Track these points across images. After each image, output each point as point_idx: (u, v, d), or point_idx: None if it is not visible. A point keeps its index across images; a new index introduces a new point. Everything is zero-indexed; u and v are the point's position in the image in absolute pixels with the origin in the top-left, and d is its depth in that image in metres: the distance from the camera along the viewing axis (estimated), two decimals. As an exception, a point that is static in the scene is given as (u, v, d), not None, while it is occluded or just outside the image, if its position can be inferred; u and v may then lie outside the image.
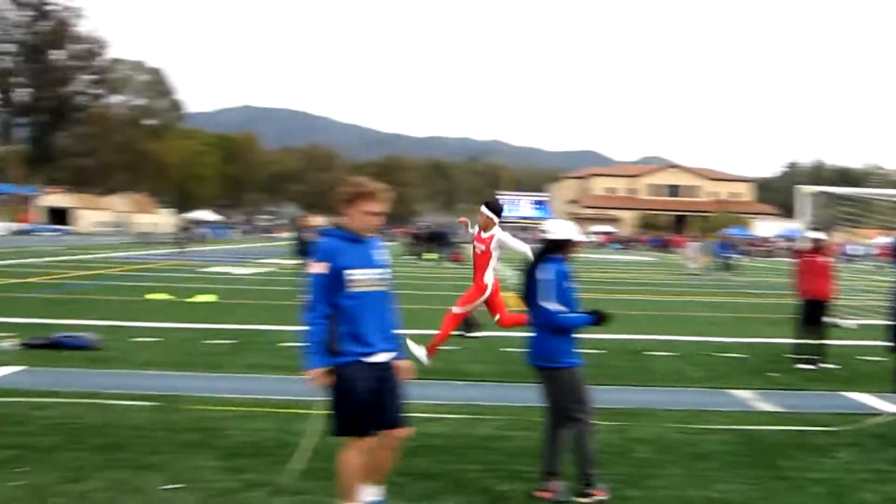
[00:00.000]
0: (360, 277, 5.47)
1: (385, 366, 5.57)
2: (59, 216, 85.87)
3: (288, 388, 10.13)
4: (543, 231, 6.81)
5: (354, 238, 5.55)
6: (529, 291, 6.62)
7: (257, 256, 48.69)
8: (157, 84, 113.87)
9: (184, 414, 8.65)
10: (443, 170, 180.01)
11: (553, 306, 6.39)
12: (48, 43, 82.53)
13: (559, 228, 6.73)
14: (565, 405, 6.48)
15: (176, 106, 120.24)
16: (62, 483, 6.31)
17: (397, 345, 5.67)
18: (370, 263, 5.53)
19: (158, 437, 7.69)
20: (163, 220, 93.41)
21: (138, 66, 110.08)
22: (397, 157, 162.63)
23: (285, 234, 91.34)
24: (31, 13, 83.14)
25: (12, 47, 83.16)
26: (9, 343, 12.51)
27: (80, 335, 12.65)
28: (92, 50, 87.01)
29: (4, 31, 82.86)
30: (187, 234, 50.53)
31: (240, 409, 8.97)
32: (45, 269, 31.68)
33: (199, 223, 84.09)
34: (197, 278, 28.67)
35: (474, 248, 11.69)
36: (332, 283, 5.44)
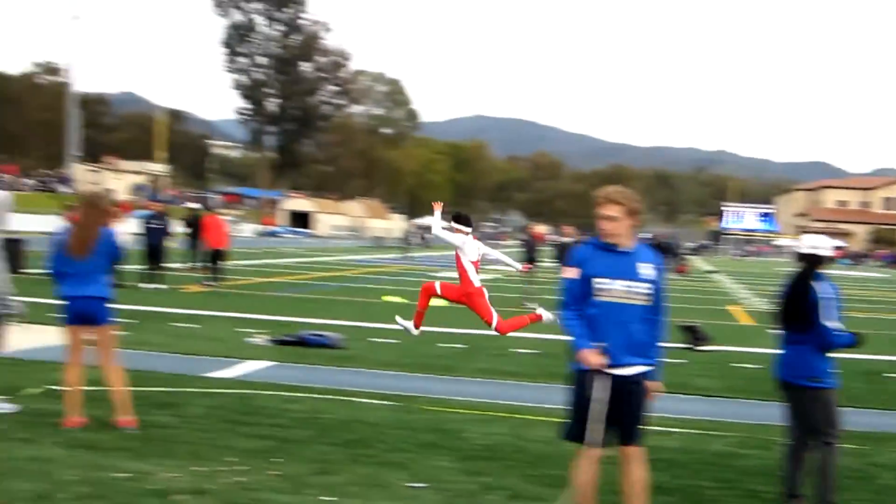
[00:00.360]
0: (608, 287, 5.34)
1: (627, 379, 5.40)
2: (300, 219, 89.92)
3: (521, 394, 10.21)
4: (805, 246, 6.47)
5: (609, 247, 5.42)
6: (795, 308, 6.31)
7: (486, 262, 49.30)
8: (395, 94, 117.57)
9: (421, 415, 8.86)
10: (667, 180, 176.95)
11: (834, 325, 6.11)
12: (298, 55, 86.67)
13: (823, 243, 6.42)
14: (817, 426, 6.21)
15: (412, 116, 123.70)
16: (314, 475, 6.58)
17: (649, 361, 5.45)
18: (624, 275, 5.34)
19: (399, 436, 7.89)
20: (395, 225, 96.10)
21: (378, 78, 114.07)
22: (622, 166, 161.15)
23: (510, 242, 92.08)
24: (284, 28, 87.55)
25: (265, 60, 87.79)
26: (260, 339, 13.21)
27: (325, 334, 13.18)
28: (337, 62, 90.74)
29: (259, 44, 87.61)
30: (410, 239, 51.74)
31: (475, 412, 9.09)
32: (289, 269, 33.26)
33: (426, 229, 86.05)
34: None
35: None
36: (582, 290, 5.39)
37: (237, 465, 6.68)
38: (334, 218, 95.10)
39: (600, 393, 5.32)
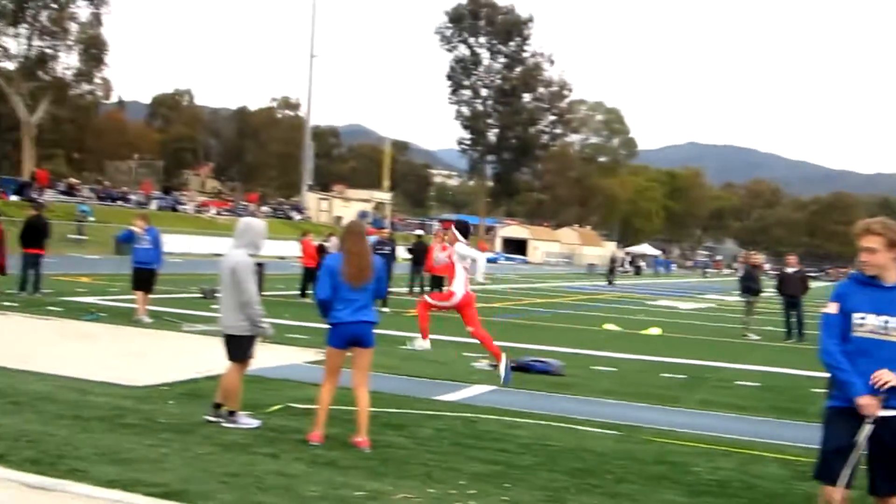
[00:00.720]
0: (864, 323, 5.06)
1: (888, 422, 5.03)
2: (515, 246, 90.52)
3: (746, 428, 9.81)
4: None
5: (870, 281, 5.14)
6: None
7: (699, 291, 48.06)
8: (613, 123, 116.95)
9: (646, 445, 8.65)
10: (892, 207, 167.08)
11: None
12: (519, 87, 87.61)
13: None
14: None
15: (629, 144, 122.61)
16: (544, 502, 6.52)
17: None
18: (885, 310, 5.04)
19: (626, 466, 7.73)
20: (607, 252, 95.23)
21: (597, 107, 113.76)
22: (844, 193, 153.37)
23: (725, 270, 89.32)
24: (506, 60, 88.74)
25: (487, 92, 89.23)
26: (484, 363, 13.30)
27: (547, 361, 13.15)
28: (557, 93, 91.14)
29: (482, 77, 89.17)
30: (615, 267, 51.03)
31: (700, 445, 8.80)
32: (506, 295, 33.48)
33: (636, 257, 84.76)
34: (643, 310, 28.83)
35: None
36: (841, 325, 5.14)
37: (468, 488, 6.70)
38: (548, 245, 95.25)
39: (863, 438, 5.02)
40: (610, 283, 48.60)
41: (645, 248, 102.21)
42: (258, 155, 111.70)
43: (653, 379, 13.23)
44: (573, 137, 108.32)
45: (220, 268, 8.53)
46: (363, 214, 75.88)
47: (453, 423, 9.10)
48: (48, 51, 60.25)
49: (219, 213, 63.92)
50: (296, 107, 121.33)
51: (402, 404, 9.83)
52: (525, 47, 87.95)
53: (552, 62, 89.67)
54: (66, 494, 6.01)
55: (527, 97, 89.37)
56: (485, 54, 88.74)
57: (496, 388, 11.47)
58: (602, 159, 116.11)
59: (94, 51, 62.98)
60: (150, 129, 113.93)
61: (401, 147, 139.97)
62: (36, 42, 58.88)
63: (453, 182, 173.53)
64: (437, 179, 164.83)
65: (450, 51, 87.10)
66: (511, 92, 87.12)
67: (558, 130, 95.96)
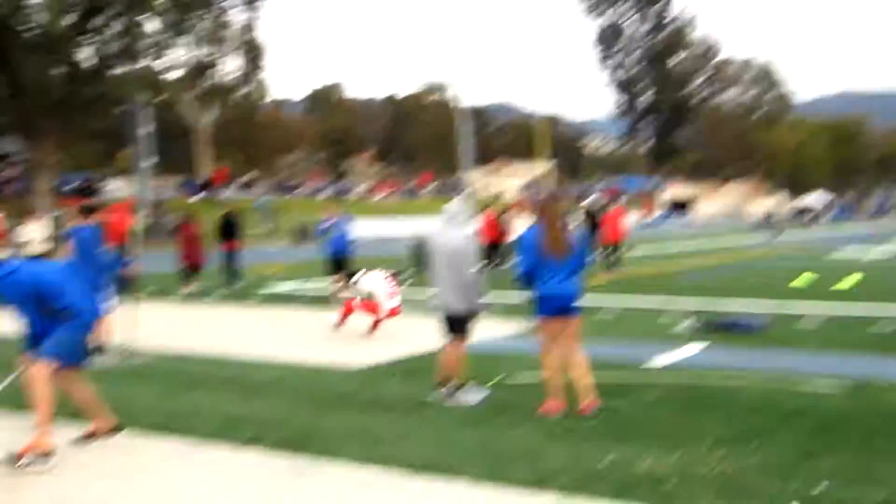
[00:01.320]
0: None
1: None
2: (679, 206, 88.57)
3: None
4: None
5: None
6: None
7: (883, 238, 45.85)
8: (765, 78, 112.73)
9: (883, 399, 8.25)
10: None
11: None
12: (667, 50, 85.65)
13: None
14: None
15: (783, 97, 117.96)
16: (795, 463, 6.25)
17: None
18: None
19: (867, 422, 7.36)
20: (775, 206, 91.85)
21: (747, 64, 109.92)
22: None
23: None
24: (651, 25, 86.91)
25: (635, 57, 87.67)
26: (686, 324, 13.00)
27: (751, 319, 12.73)
28: (706, 53, 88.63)
29: (629, 44, 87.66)
30: (775, 219, 48.93)
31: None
32: (684, 255, 32.73)
33: (806, 208, 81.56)
34: (829, 261, 27.61)
35: None
36: None
37: (714, 452, 6.52)
38: (712, 203, 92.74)
39: None
40: (776, 236, 46.82)
41: (814, 199, 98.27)
42: (413, 138, 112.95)
43: (860, 331, 12.61)
44: (729, 94, 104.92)
45: (436, 248, 8.57)
46: (527, 187, 75.64)
47: (675, 386, 8.90)
48: (210, 58, 62.51)
49: (386, 197, 65.01)
50: (443, 90, 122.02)
51: (618, 370, 9.69)
52: (669, 9, 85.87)
53: (696, 25, 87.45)
54: (323, 474, 6.16)
55: (675, 59, 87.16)
56: (630, 23, 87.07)
57: (706, 349, 11.17)
58: (757, 116, 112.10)
59: (251, 55, 65.16)
60: (309, 122, 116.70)
61: (554, 118, 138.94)
62: (197, 51, 61.21)
63: (606, 149, 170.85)
64: (592, 145, 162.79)
65: (597, 17, 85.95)
66: (659, 56, 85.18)
67: (710, 90, 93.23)
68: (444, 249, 8.48)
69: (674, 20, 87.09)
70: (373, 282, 12.87)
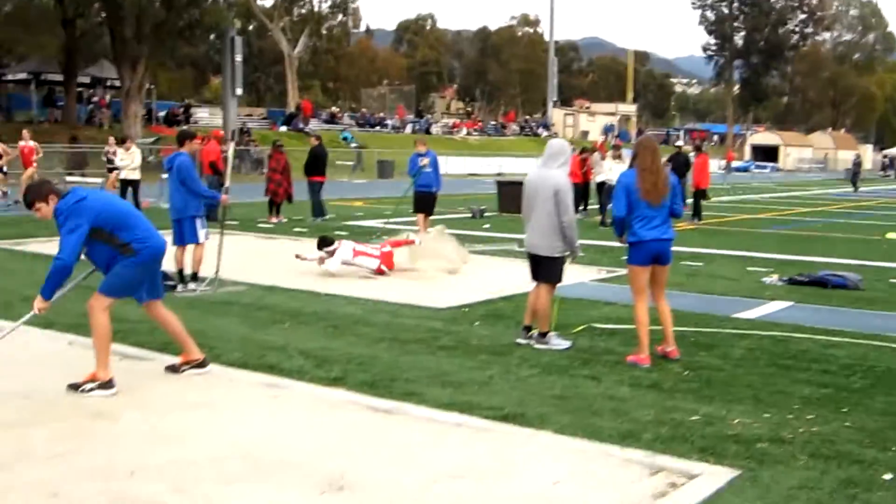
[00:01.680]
0: None
1: None
2: (765, 154, 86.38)
3: None
4: None
5: None
6: None
7: None
8: (867, 17, 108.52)
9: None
10: None
11: None
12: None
13: None
14: None
15: (886, 39, 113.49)
16: (890, 428, 6.05)
17: None
18: None
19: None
20: (857, 157, 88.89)
21: (850, 1, 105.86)
22: None
23: None
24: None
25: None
26: (773, 278, 12.66)
27: (844, 274, 12.34)
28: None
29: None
30: (856, 171, 47.08)
31: None
32: (767, 205, 32.01)
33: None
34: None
35: None
36: None
37: (804, 413, 6.33)
38: (801, 151, 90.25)
39: None
40: (855, 188, 45.28)
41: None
42: (500, 74, 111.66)
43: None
44: (824, 36, 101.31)
45: (532, 188, 8.37)
46: (609, 128, 74.59)
47: (762, 342, 8.68)
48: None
49: (468, 134, 64.64)
50: (535, 23, 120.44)
51: (703, 322, 9.49)
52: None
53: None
54: (408, 417, 6.14)
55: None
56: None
57: (794, 304, 10.87)
58: (856, 57, 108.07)
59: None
60: (396, 55, 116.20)
61: (640, 57, 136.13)
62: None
63: (694, 90, 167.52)
64: (678, 89, 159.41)
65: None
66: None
67: (809, 29, 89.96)
68: (544, 189, 8.25)
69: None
70: (346, 251, 12.55)
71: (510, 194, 22.51)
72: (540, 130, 71.78)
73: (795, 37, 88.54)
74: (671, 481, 5.07)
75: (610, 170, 20.54)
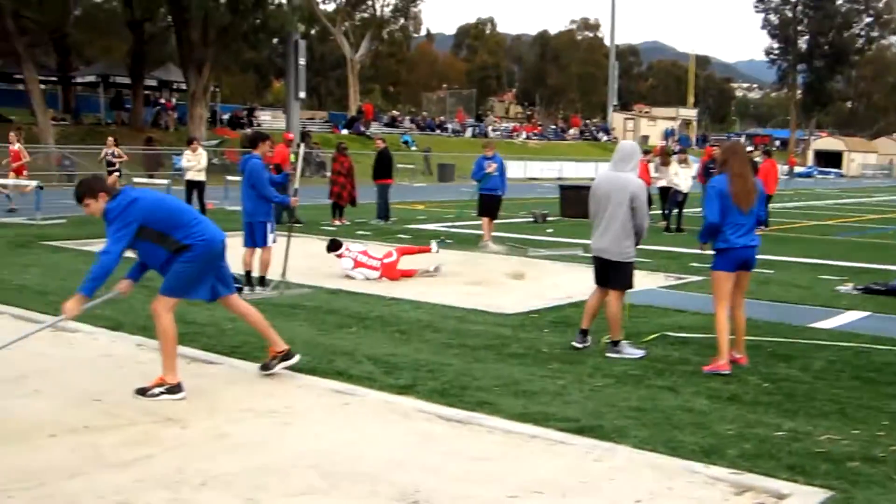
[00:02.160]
0: None
1: None
2: (828, 159, 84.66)
3: None
4: None
5: None
6: None
7: None
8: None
9: None
10: None
11: None
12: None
13: None
14: None
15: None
16: None
17: None
18: None
19: None
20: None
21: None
22: None
23: None
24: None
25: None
26: (847, 287, 12.24)
27: (925, 285, 11.87)
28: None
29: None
30: None
31: None
32: (834, 211, 31.27)
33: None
34: None
35: None
36: None
37: (894, 430, 6.01)
38: (865, 156, 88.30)
39: None
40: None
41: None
42: (559, 78, 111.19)
43: None
44: (891, 39, 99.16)
45: (604, 192, 8.11)
46: (669, 132, 73.72)
47: (843, 353, 8.31)
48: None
49: (528, 138, 64.29)
50: (595, 27, 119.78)
51: (780, 332, 9.14)
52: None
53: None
54: (481, 428, 5.94)
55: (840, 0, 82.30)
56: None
57: (872, 314, 10.46)
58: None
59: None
60: (456, 59, 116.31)
61: (701, 62, 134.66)
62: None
63: (754, 95, 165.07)
64: (738, 93, 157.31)
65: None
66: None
67: (875, 33, 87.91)
68: (618, 193, 7.99)
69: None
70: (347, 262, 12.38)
71: (573, 198, 22.24)
72: (600, 135, 71.11)
73: (861, 41, 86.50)
74: (759, 501, 4.81)
75: (676, 174, 20.08)
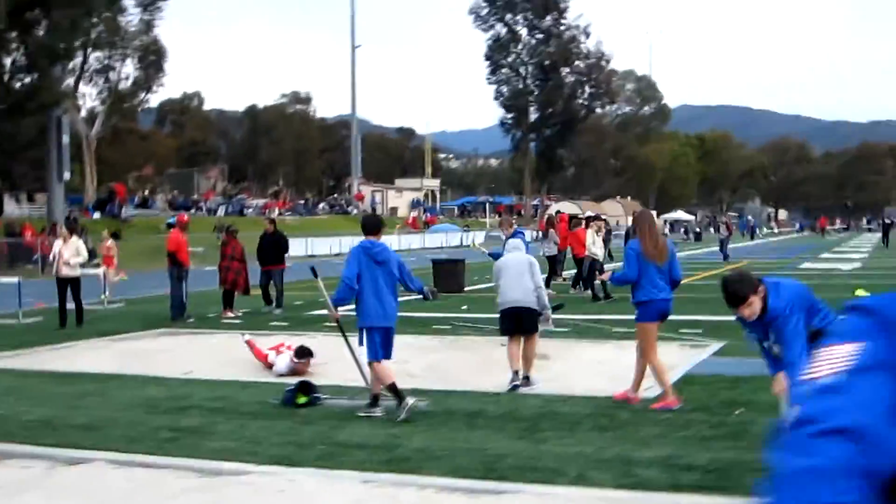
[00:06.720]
0: None
1: None
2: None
3: None
4: None
5: None
6: None
7: (815, 251, 47.74)
8: (644, 90, 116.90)
9: None
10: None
11: None
12: (558, 62, 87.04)
13: None
14: None
15: (662, 110, 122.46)
16: None
17: None
18: None
19: None
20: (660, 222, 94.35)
21: (628, 75, 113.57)
22: (872, 144, 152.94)
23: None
24: (542, 35, 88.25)
25: (526, 69, 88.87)
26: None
27: None
28: (596, 64, 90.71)
29: (519, 54, 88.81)
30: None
31: None
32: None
33: (680, 223, 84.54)
34: (817, 274, 28.52)
35: None
36: None
37: None
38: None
39: None
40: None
41: (679, 215, 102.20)
42: (272, 153, 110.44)
43: None
44: (607, 108, 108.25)
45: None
46: (417, 202, 75.70)
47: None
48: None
49: (280, 214, 63.71)
50: (307, 101, 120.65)
51: None
52: (562, 21, 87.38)
53: (588, 34, 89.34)
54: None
55: (566, 72, 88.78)
56: (523, 31, 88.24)
57: None
58: (637, 129, 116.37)
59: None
60: (161, 135, 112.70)
61: (407, 134, 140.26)
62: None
63: (452, 165, 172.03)
64: (453, 164, 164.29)
65: (486, 30, 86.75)
66: (550, 67, 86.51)
67: (597, 102, 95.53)
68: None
69: (566, 31, 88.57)
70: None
71: (449, 272, 22.36)
72: (350, 208, 71.86)
73: (584, 110, 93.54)
74: None
75: (593, 243, 20.81)
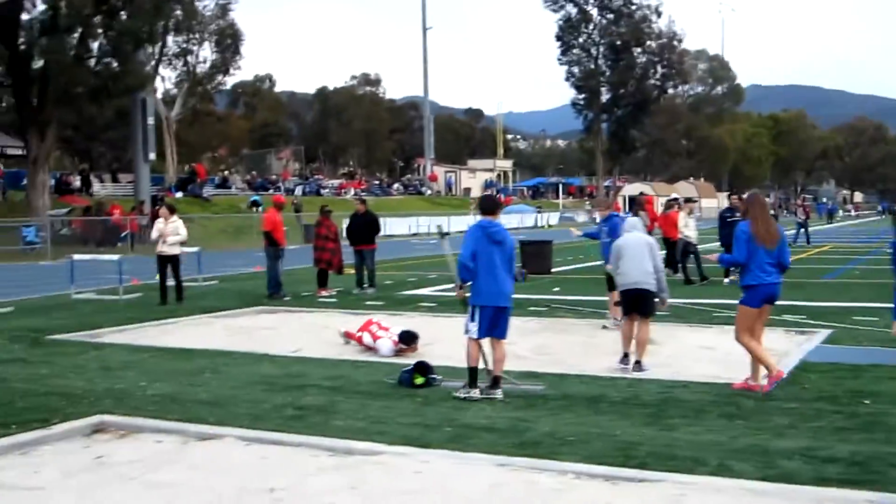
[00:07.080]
0: None
1: None
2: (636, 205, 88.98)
3: None
4: None
5: None
6: None
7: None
8: (717, 70, 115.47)
9: None
10: None
11: None
12: (630, 42, 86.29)
13: None
14: None
15: (735, 91, 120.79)
16: None
17: None
18: None
19: None
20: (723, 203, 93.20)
21: (700, 55, 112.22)
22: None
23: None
24: (613, 15, 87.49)
25: (597, 49, 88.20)
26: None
27: None
28: (668, 44, 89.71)
29: (590, 34, 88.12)
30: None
31: None
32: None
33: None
34: None
35: None
36: None
37: None
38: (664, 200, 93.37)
39: None
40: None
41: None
42: (341, 134, 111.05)
43: None
44: (680, 88, 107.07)
45: None
46: (490, 183, 75.60)
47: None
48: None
49: (356, 195, 64.03)
50: (376, 83, 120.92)
51: None
52: (633, 0, 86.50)
53: (659, 13, 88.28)
54: None
55: (638, 52, 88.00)
56: (594, 11, 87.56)
57: None
58: (709, 109, 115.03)
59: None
60: (234, 116, 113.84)
61: (475, 115, 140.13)
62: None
63: (519, 145, 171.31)
64: (520, 145, 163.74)
65: (556, 11, 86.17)
66: (622, 47, 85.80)
67: (670, 82, 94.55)
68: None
69: (637, 10, 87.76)
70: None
71: (534, 253, 22.28)
72: (424, 189, 71.99)
73: (656, 90, 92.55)
74: None
75: (686, 226, 20.57)
